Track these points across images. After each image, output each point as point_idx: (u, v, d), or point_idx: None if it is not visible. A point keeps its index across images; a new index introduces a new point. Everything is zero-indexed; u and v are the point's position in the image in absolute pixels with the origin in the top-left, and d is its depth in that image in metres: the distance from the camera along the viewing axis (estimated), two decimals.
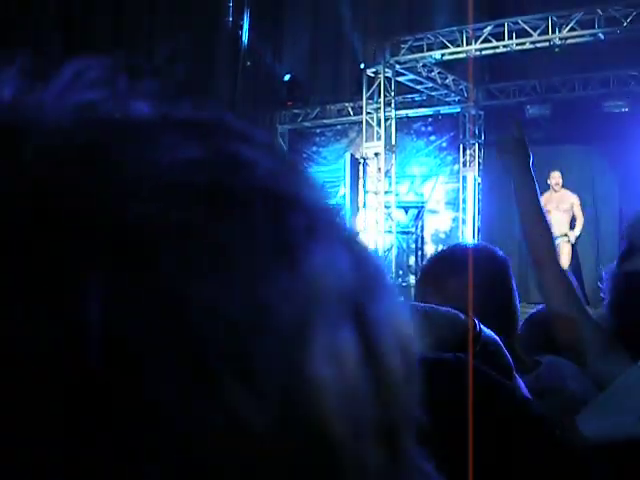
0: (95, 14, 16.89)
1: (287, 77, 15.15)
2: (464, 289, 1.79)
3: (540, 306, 2.77)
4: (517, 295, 1.95)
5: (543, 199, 9.73)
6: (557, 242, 9.90)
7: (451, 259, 1.95)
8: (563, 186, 11.80)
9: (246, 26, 15.95)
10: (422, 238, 13.66)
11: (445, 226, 13.69)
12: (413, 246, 13.63)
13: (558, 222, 11.36)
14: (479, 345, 1.22)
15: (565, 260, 11.36)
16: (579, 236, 11.84)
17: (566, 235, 11.64)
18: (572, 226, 11.80)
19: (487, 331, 1.27)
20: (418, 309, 1.32)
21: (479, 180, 13.34)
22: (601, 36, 10.23)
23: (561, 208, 11.54)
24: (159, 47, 17.10)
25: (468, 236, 13.34)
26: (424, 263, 2.00)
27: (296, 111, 14.91)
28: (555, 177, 11.61)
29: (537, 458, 1.13)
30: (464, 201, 13.32)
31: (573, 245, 11.86)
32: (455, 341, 1.19)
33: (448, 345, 1.16)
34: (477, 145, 13.46)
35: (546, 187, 11.51)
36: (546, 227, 2.27)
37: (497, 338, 1.32)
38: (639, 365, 1.68)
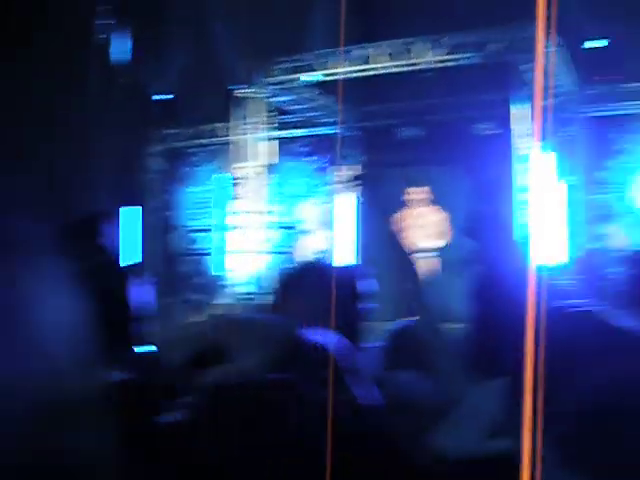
0: None
1: (162, 96, 14.94)
2: (306, 303, 1.76)
3: (405, 320, 2.78)
4: (356, 309, 1.94)
5: (402, 215, 9.88)
6: (417, 259, 10.04)
7: (297, 276, 1.94)
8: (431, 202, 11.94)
9: (120, 42, 15.70)
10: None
11: (321, 246, 13.72)
12: (290, 266, 13.61)
13: (419, 236, 11.72)
14: (306, 351, 1.18)
15: (426, 275, 11.58)
16: (446, 250, 11.89)
17: (428, 251, 11.78)
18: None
19: (317, 337, 1.23)
20: (253, 320, 1.30)
21: (355, 201, 13.43)
22: (469, 60, 10.45)
23: (421, 224, 11.68)
24: (33, 61, 16.67)
25: (345, 255, 13.42)
26: (276, 278, 2.01)
27: (169, 131, 14.71)
28: (414, 192, 11.76)
29: (390, 475, 1.12)
30: (340, 221, 13.38)
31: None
32: (289, 351, 1.16)
33: (285, 356, 1.14)
34: (352, 166, 13.58)
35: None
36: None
37: (328, 343, 1.28)
38: (486, 384, 1.67)
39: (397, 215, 11.90)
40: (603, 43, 11.62)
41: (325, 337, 1.26)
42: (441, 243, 11.79)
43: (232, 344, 1.08)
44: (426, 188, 11.82)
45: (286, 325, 1.20)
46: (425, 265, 11.54)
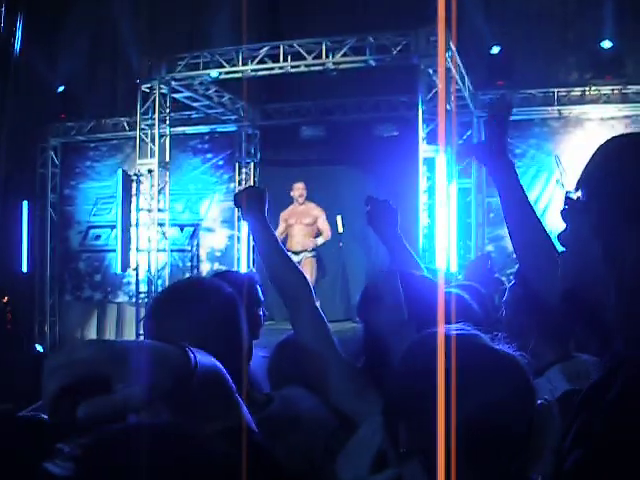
0: None
1: (61, 89, 14.64)
2: (190, 324, 1.74)
3: (290, 333, 2.77)
4: (245, 328, 1.92)
5: (287, 212, 9.74)
6: (300, 259, 9.94)
7: (179, 295, 1.90)
8: (309, 200, 11.96)
9: (19, 33, 15.30)
10: (198, 256, 13.60)
11: (221, 244, 13.67)
12: (189, 264, 13.54)
13: (301, 235, 11.64)
14: (196, 378, 1.14)
15: (310, 275, 11.51)
16: (324, 247, 11.91)
17: (312, 250, 11.69)
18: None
19: (206, 360, 1.19)
20: (133, 346, 1.22)
21: None
22: (372, 62, 10.53)
23: (304, 222, 11.55)
24: None
25: (243, 254, 13.41)
26: (154, 297, 1.95)
27: (70, 124, 14.45)
28: (299, 189, 11.65)
29: None
30: (239, 219, 13.36)
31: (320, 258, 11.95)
32: (169, 376, 1.11)
33: (162, 381, 1.09)
34: (253, 164, 13.62)
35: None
36: (295, 269, 2.32)
37: (219, 366, 1.25)
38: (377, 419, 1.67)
39: (283, 213, 11.76)
40: (499, 49, 11.88)
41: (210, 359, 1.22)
42: (319, 241, 11.74)
43: (116, 372, 1.02)
44: (300, 184, 11.78)
45: (175, 350, 1.15)
46: (305, 265, 11.34)
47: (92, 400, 0.96)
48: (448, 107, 10.20)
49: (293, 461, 1.68)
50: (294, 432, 1.88)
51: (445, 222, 9.90)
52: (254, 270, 13.24)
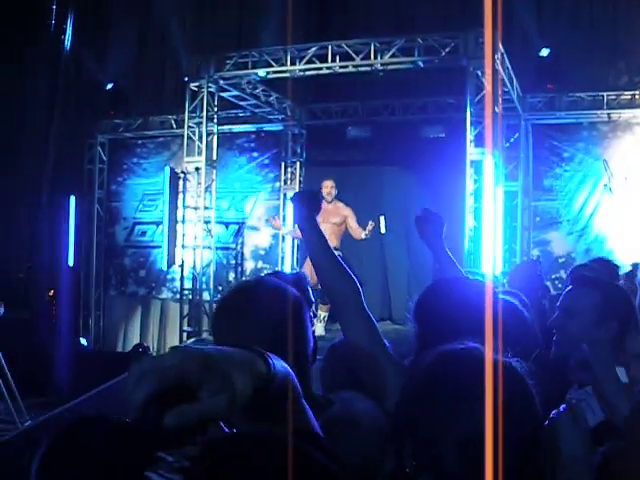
0: None
1: (110, 86, 14.79)
2: (258, 327, 1.75)
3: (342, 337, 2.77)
4: (310, 330, 1.93)
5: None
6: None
7: (247, 296, 1.91)
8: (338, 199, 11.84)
9: (69, 31, 15.51)
10: (242, 254, 13.66)
11: (265, 243, 13.70)
12: (233, 262, 13.62)
13: (327, 234, 10.67)
14: (273, 384, 1.15)
15: None
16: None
17: (337, 250, 10.69)
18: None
19: (279, 365, 1.20)
20: (217, 353, 1.23)
21: None
22: (420, 64, 10.50)
23: (332, 220, 10.74)
24: None
25: (287, 253, 13.42)
26: (221, 297, 1.96)
27: (118, 121, 14.60)
28: (327, 186, 10.81)
29: None
30: (284, 218, 13.38)
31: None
32: (253, 383, 1.12)
33: (247, 388, 1.10)
34: (298, 163, 13.63)
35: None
36: (346, 271, 2.32)
37: (289, 371, 1.26)
38: None
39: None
40: (548, 52, 11.79)
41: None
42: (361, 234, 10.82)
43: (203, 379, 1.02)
44: (331, 182, 10.91)
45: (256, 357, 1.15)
46: None
47: (179, 408, 0.96)
48: (496, 110, 10.13)
49: (352, 463, 1.68)
50: (354, 434, 1.88)
51: (491, 225, 9.84)
52: (297, 270, 13.29)
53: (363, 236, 10.52)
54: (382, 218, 11.72)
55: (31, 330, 13.47)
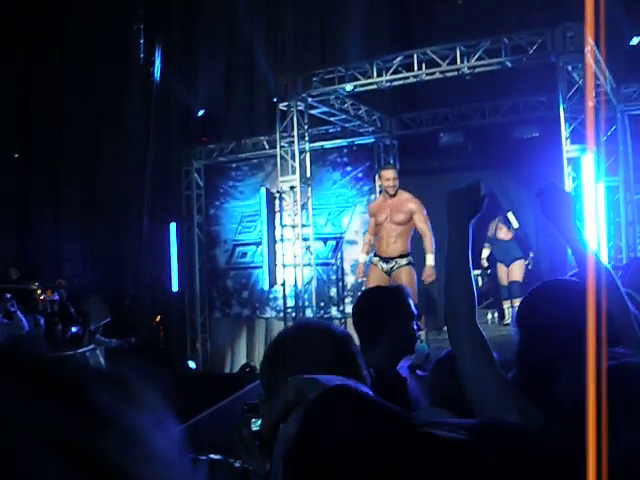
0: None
1: (201, 112, 15.07)
2: (313, 365, 1.77)
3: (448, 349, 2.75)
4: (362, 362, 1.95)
5: (375, 205, 9.62)
6: (390, 267, 9.16)
7: (300, 335, 1.95)
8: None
9: (158, 62, 15.87)
10: (342, 269, 13.68)
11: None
12: (333, 277, 13.65)
13: (393, 236, 9.42)
14: None
15: (409, 287, 11.31)
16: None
17: (407, 256, 9.57)
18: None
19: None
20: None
21: None
22: (508, 64, 10.36)
23: (395, 219, 9.29)
24: (71, 80, 16.96)
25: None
26: (276, 338, 1.99)
27: (211, 146, 14.84)
28: (387, 178, 9.28)
29: None
30: None
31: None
32: None
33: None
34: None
35: None
36: (470, 288, 2.26)
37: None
38: None
39: (371, 205, 10.37)
40: (639, 40, 11.50)
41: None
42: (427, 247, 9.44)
43: None
44: (393, 172, 9.50)
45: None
46: (398, 277, 9.27)
47: None
48: (590, 104, 9.91)
49: None
50: None
51: (594, 222, 9.61)
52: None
53: (430, 260, 9.01)
54: (510, 213, 11.88)
55: (140, 356, 13.76)
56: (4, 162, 17.60)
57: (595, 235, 9.62)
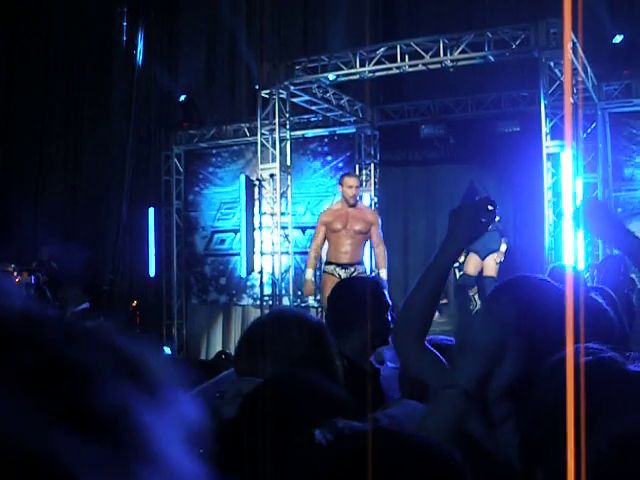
0: None
1: (182, 97, 15.01)
2: (287, 352, 1.79)
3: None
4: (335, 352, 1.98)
5: (330, 213, 9.45)
6: (350, 273, 9.14)
7: (276, 323, 1.97)
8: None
9: (141, 46, 15.77)
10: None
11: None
12: None
13: (349, 244, 9.38)
14: None
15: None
16: None
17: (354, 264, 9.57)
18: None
19: None
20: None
21: (375, 200, 13.43)
22: (491, 58, 10.38)
23: (355, 227, 9.23)
24: (54, 63, 16.84)
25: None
26: (251, 326, 2.01)
27: (192, 132, 14.79)
28: (349, 184, 9.19)
29: None
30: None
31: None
32: None
33: None
34: (373, 165, 13.59)
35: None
36: (433, 310, 2.25)
37: None
38: None
39: (323, 213, 10.01)
40: (622, 38, 11.53)
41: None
42: (380, 260, 9.68)
43: None
44: (355, 179, 9.51)
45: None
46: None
47: None
48: (572, 100, 9.95)
49: None
50: None
51: (571, 219, 9.63)
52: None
53: (383, 275, 8.89)
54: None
55: None
56: None
57: (572, 231, 9.67)
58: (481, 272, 11.92)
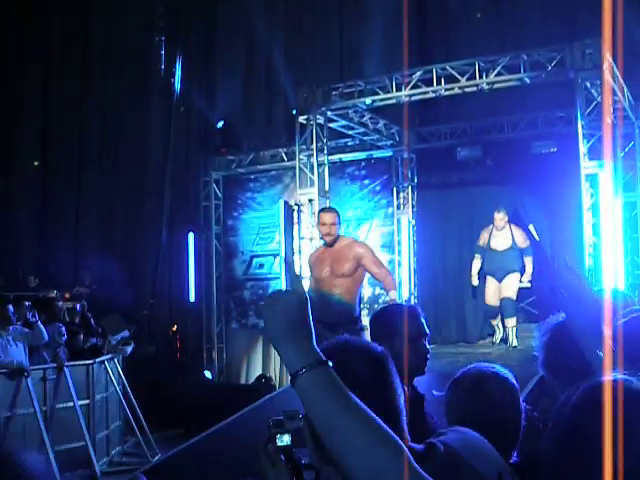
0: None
1: (220, 124, 15.18)
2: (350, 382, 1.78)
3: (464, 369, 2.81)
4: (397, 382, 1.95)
5: (315, 255, 7.65)
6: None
7: (340, 352, 1.95)
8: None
9: (179, 73, 15.99)
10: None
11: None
12: None
13: (336, 293, 7.41)
14: None
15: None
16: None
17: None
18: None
19: None
20: None
21: (413, 222, 13.47)
22: (527, 80, 10.41)
23: (338, 271, 7.37)
24: (93, 90, 17.11)
25: (404, 278, 13.39)
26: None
27: (230, 157, 14.93)
28: (325, 222, 7.55)
29: None
30: (399, 243, 13.42)
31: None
32: None
33: None
34: (410, 188, 13.61)
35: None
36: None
37: None
38: None
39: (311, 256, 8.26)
40: None
41: None
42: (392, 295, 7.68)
43: None
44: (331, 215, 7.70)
45: None
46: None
47: None
48: (608, 120, 9.93)
49: None
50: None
51: (611, 239, 9.60)
52: (416, 295, 13.27)
53: (394, 296, 7.21)
54: (532, 226, 11.76)
55: (157, 365, 13.85)
56: (25, 170, 17.77)
57: (612, 251, 9.62)
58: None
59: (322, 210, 8.11)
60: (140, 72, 16.61)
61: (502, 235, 11.60)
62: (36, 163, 17.97)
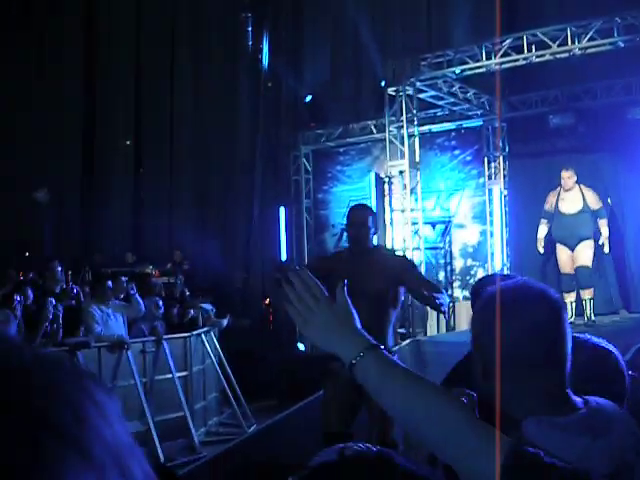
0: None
1: (309, 98, 15.25)
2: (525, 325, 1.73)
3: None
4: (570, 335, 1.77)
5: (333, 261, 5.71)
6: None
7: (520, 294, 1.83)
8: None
9: (266, 49, 16.10)
10: (450, 253, 13.67)
11: (473, 240, 13.64)
12: (442, 261, 13.66)
13: (366, 311, 3.38)
14: None
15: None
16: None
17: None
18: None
19: None
20: None
21: (505, 192, 13.33)
22: (621, 44, 10.17)
23: (368, 288, 4.80)
24: (182, 71, 17.38)
25: (497, 249, 13.29)
26: (483, 298, 1.78)
27: (319, 131, 15.00)
28: (354, 222, 5.31)
29: None
30: (491, 214, 13.30)
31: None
32: None
33: None
34: (501, 157, 13.45)
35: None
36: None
37: None
38: None
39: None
40: None
41: None
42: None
43: None
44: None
45: None
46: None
47: None
48: None
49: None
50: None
51: None
52: (508, 266, 13.15)
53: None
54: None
55: (251, 337, 14.05)
56: (119, 150, 18.18)
57: None
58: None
59: (351, 208, 5.72)
60: (228, 50, 16.78)
61: (571, 196, 10.96)
62: (128, 142, 18.34)
